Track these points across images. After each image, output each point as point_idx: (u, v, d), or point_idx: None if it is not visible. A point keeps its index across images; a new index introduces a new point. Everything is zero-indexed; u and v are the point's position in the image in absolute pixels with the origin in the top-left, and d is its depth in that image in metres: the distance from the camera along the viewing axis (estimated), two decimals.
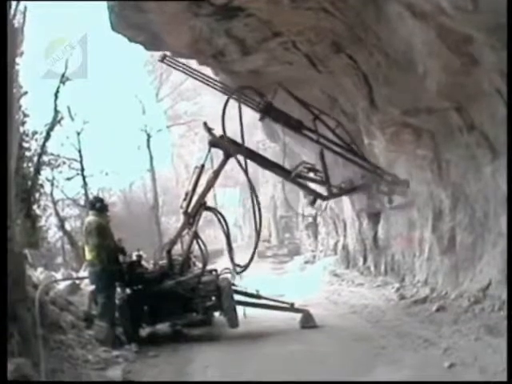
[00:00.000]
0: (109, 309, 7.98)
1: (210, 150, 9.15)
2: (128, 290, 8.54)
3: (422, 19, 7.06)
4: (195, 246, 8.99)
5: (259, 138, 28.01)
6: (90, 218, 8.50)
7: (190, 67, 9.99)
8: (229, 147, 8.88)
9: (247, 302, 9.06)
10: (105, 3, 11.00)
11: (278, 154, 16.88)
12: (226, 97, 9.17)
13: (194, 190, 9.04)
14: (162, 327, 8.95)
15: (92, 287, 8.51)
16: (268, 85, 9.81)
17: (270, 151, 23.39)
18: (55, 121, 22.05)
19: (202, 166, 9.16)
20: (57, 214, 24.46)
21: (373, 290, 12.87)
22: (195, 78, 9.76)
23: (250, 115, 11.51)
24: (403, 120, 9.78)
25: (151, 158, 34.07)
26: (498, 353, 5.99)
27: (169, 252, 8.86)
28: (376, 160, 10.92)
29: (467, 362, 5.98)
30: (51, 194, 23.83)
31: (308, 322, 8.81)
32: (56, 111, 22.15)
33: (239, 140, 8.96)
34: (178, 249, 9.36)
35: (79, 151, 25.60)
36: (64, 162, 24.24)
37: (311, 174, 9.56)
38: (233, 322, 8.45)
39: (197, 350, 7.72)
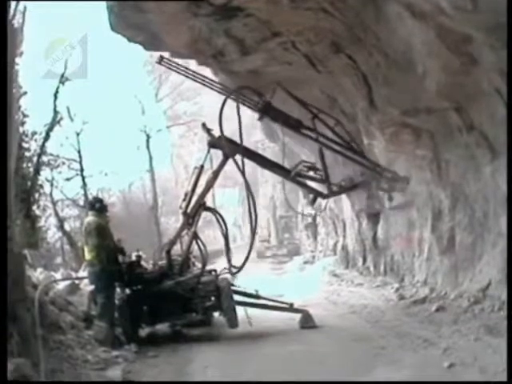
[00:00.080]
0: (108, 309, 7.97)
1: (209, 151, 9.16)
2: (127, 291, 8.52)
3: (421, 19, 7.06)
4: (194, 247, 8.99)
5: (258, 138, 28.06)
6: (90, 218, 8.49)
7: (187, 68, 9.99)
8: (228, 147, 8.87)
9: (247, 302, 9.05)
10: (104, 3, 11.00)
11: (278, 154, 16.91)
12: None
13: (193, 190, 9.03)
14: (162, 327, 8.94)
15: (91, 287, 8.49)
16: (267, 85, 9.80)
17: (270, 151, 23.44)
18: (55, 121, 22.03)
19: (202, 166, 9.15)
20: (56, 214, 24.43)
21: (372, 290, 12.87)
22: (193, 79, 9.76)
23: (249, 115, 11.52)
24: (403, 120, 9.78)
25: (151, 158, 34.14)
26: (497, 353, 5.99)
27: (168, 252, 8.85)
28: (375, 160, 10.90)
29: (467, 362, 5.98)
30: (51, 194, 23.81)
31: (307, 322, 8.80)
32: (55, 111, 22.15)
33: (238, 140, 8.96)
34: (177, 249, 9.36)
35: (79, 151, 25.61)
36: (63, 163, 24.23)
37: (311, 173, 9.56)
38: (232, 322, 8.44)
39: (196, 350, 7.71)
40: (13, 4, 12.77)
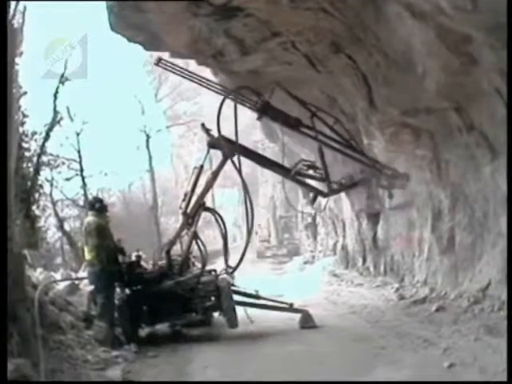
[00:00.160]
0: (108, 309, 7.97)
1: (208, 151, 9.17)
2: (127, 291, 8.52)
3: (421, 19, 7.06)
4: (194, 247, 8.99)
5: (258, 138, 28.03)
6: (90, 218, 8.49)
7: (185, 69, 9.98)
8: (226, 147, 8.87)
9: (246, 302, 9.05)
10: (104, 3, 11.00)
11: (277, 154, 16.88)
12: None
13: (193, 190, 9.04)
14: (162, 327, 8.93)
15: (91, 287, 8.50)
16: (267, 85, 9.82)
17: (269, 151, 23.40)
18: (54, 121, 22.05)
19: (201, 166, 9.15)
20: (56, 214, 24.45)
21: (372, 290, 12.87)
22: (191, 80, 9.76)
23: (249, 115, 11.51)
24: (402, 120, 9.78)
25: (150, 158, 34.15)
26: (497, 353, 6.00)
27: (168, 252, 8.85)
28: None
29: (467, 362, 5.98)
30: (50, 194, 23.84)
31: (307, 322, 8.80)
32: (55, 111, 22.16)
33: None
34: (177, 249, 9.36)
35: (78, 151, 25.65)
36: (63, 163, 24.26)
37: (311, 171, 9.56)
38: (232, 322, 8.44)
39: (196, 350, 7.71)
40: (13, 4, 12.79)
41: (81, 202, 25.74)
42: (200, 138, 31.26)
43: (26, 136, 19.85)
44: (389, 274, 13.75)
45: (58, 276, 11.43)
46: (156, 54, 11.85)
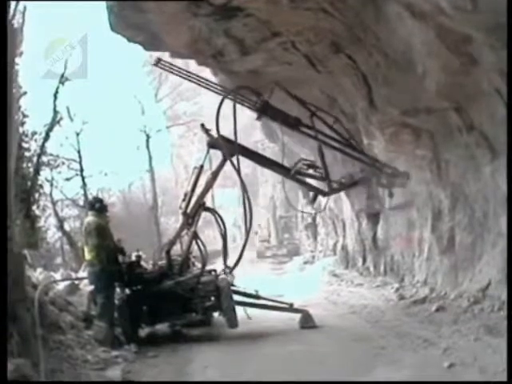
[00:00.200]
0: (108, 309, 7.97)
1: (208, 151, 9.16)
2: (127, 291, 8.52)
3: (421, 19, 7.06)
4: (194, 247, 8.99)
5: (258, 138, 28.05)
6: (90, 218, 8.49)
7: (184, 70, 9.97)
8: (226, 147, 8.87)
9: (246, 302, 9.05)
10: (104, 3, 11.00)
11: (277, 154, 16.86)
12: None
13: (192, 190, 9.04)
14: (162, 327, 8.94)
15: (91, 287, 8.49)
16: (267, 85, 9.79)
17: (269, 151, 23.40)
18: (54, 121, 22.05)
19: (201, 166, 9.15)
20: (56, 214, 24.46)
21: (372, 290, 12.87)
22: (190, 81, 9.75)
23: (248, 116, 11.51)
24: (402, 120, 9.78)
25: (150, 158, 34.14)
26: (497, 353, 5.99)
27: (168, 252, 8.85)
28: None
29: (467, 362, 5.98)
30: (50, 194, 23.85)
31: (307, 322, 8.80)
32: (55, 111, 22.17)
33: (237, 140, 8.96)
34: (177, 249, 9.36)
35: (78, 152, 25.65)
36: (63, 163, 24.26)
37: (311, 171, 9.55)
38: (232, 322, 8.44)
39: (196, 350, 7.71)
40: (13, 4, 12.78)
41: (81, 202, 25.75)
42: (200, 138, 31.23)
43: (26, 136, 19.85)
44: (389, 273, 13.76)
45: (57, 276, 11.42)
46: (156, 54, 11.86)
